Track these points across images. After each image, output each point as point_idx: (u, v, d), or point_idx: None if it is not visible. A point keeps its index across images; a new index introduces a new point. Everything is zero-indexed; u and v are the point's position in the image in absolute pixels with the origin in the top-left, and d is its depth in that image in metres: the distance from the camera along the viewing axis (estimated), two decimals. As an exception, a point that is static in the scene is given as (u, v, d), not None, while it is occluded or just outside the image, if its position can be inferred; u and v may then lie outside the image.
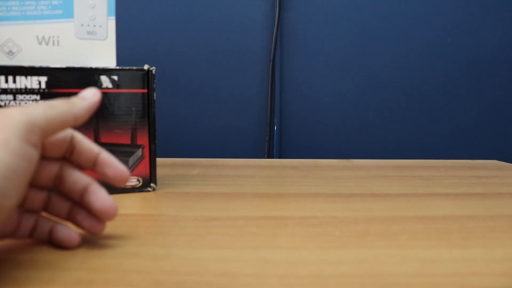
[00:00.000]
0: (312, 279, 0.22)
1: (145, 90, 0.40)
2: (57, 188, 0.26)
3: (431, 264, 0.24)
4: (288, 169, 0.57)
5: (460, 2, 0.76)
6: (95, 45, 0.40)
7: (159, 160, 0.42)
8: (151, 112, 0.40)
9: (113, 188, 0.41)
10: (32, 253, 0.25)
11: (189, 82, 0.76)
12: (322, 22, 0.76)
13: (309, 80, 0.77)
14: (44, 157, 0.25)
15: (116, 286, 0.21)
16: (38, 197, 0.25)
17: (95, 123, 0.39)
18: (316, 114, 0.77)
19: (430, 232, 0.30)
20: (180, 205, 0.37)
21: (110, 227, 0.30)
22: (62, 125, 0.24)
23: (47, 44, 0.38)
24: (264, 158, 0.76)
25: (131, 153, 0.40)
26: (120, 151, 0.40)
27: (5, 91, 0.36)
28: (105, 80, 0.39)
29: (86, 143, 0.26)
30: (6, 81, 0.36)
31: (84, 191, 0.25)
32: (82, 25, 0.39)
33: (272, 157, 0.76)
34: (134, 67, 0.40)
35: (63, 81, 0.37)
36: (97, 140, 0.39)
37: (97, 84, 0.38)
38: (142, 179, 0.41)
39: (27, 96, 0.36)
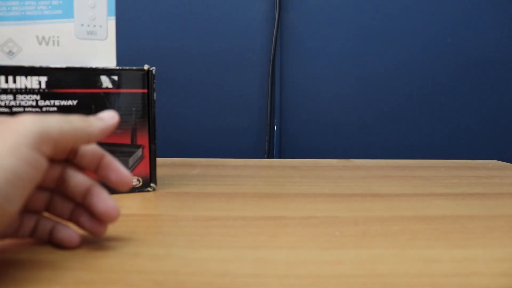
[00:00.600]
0: (312, 279, 0.22)
1: (145, 90, 0.40)
2: (60, 189, 0.26)
3: (431, 264, 0.24)
4: (288, 169, 0.57)
5: (460, 2, 0.76)
6: (95, 45, 0.40)
7: (159, 160, 0.42)
8: (151, 112, 0.40)
9: (113, 188, 0.40)
10: (32, 253, 0.25)
11: (189, 82, 0.76)
12: (322, 22, 0.76)
13: (309, 80, 0.77)
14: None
15: (116, 286, 0.21)
16: (41, 197, 0.25)
17: (95, 123, 0.39)
18: (316, 114, 0.77)
19: (430, 232, 0.30)
20: (180, 205, 0.37)
21: (110, 227, 0.30)
22: (75, 141, 0.24)
23: (47, 44, 0.38)
24: (264, 158, 0.76)
25: (131, 153, 0.40)
26: (120, 151, 0.40)
27: (5, 91, 0.36)
28: (105, 80, 0.39)
29: (90, 146, 0.26)
30: (6, 81, 0.36)
31: (87, 193, 0.25)
32: (82, 25, 0.39)
33: (272, 157, 0.76)
34: (134, 67, 0.40)
35: (63, 81, 0.37)
36: (97, 140, 0.39)
37: (97, 84, 0.38)
38: (142, 179, 0.41)
39: (27, 96, 0.36)
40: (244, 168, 0.57)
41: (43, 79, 0.37)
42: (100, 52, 0.40)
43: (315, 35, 0.76)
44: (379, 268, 0.24)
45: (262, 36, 0.76)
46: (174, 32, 0.75)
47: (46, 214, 0.26)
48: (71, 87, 0.37)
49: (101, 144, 0.39)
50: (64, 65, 0.37)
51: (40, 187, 0.25)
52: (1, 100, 0.35)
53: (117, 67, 0.39)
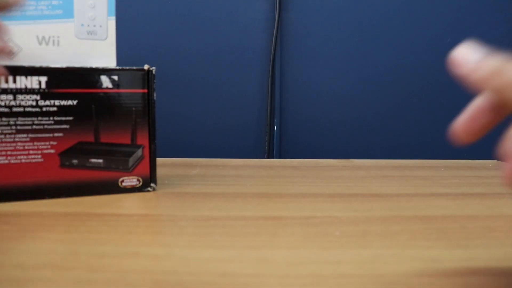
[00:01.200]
0: (312, 279, 0.22)
1: (145, 90, 0.40)
2: None
3: (431, 264, 0.24)
4: (288, 169, 0.57)
5: (460, 2, 0.76)
6: (95, 45, 0.40)
7: (159, 160, 0.42)
8: (151, 112, 0.40)
9: (113, 189, 0.41)
10: (32, 253, 0.25)
11: (189, 82, 0.76)
12: (322, 22, 0.76)
13: (309, 80, 0.77)
14: None
15: (116, 286, 0.21)
16: None
17: (95, 123, 0.39)
18: (316, 114, 0.77)
19: (430, 232, 0.30)
20: (180, 205, 0.37)
21: (110, 227, 0.30)
22: None
23: (47, 44, 0.38)
24: (264, 158, 0.76)
25: (131, 153, 0.40)
26: (120, 151, 0.40)
27: (5, 91, 0.36)
28: (105, 80, 0.39)
29: None
30: (6, 81, 0.36)
31: None
32: (82, 25, 0.39)
33: (272, 157, 0.76)
34: (134, 67, 0.40)
35: (63, 81, 0.37)
36: (97, 140, 0.39)
37: (97, 84, 0.38)
38: (142, 179, 0.41)
39: (27, 96, 0.36)
40: (244, 168, 0.57)
41: (43, 79, 0.37)
42: (100, 52, 0.40)
43: (315, 35, 0.76)
44: (379, 268, 0.24)
45: (262, 36, 0.76)
46: (174, 32, 0.75)
47: None
48: (71, 87, 0.37)
49: (101, 144, 0.39)
50: (64, 65, 0.37)
51: None
52: (1, 100, 0.35)
53: (117, 67, 0.39)
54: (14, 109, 0.36)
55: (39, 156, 0.37)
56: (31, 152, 0.37)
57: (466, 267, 0.24)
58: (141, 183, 0.41)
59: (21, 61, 0.38)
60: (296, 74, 0.77)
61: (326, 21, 0.76)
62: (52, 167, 0.38)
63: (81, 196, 0.38)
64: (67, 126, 0.38)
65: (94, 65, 0.39)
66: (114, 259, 0.24)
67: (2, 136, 0.36)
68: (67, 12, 0.39)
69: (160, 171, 0.44)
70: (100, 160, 0.39)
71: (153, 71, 0.40)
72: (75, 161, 0.38)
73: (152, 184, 0.42)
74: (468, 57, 0.22)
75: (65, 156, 0.38)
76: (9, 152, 0.36)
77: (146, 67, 0.40)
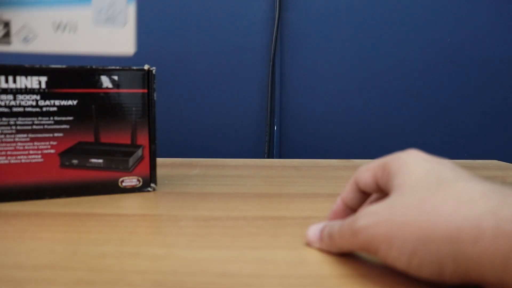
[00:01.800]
0: (312, 279, 0.22)
1: (145, 90, 0.40)
2: None
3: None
4: (288, 169, 0.57)
5: (460, 2, 0.76)
6: (113, 32, 0.38)
7: (159, 160, 0.42)
8: (151, 112, 0.40)
9: (113, 189, 0.41)
10: (32, 254, 0.25)
11: (189, 82, 0.76)
12: (322, 22, 0.76)
13: (309, 79, 0.77)
14: None
15: (116, 286, 0.21)
16: None
17: (95, 123, 0.39)
18: (316, 114, 0.77)
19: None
20: (180, 205, 0.37)
21: (110, 227, 0.30)
22: None
23: (63, 31, 0.37)
24: (264, 158, 0.76)
25: (131, 153, 0.40)
26: (120, 151, 0.40)
27: (5, 91, 0.36)
28: (105, 80, 0.39)
29: None
30: (6, 81, 0.36)
31: None
32: (100, 10, 0.38)
33: (272, 157, 0.76)
34: (134, 67, 0.40)
35: (63, 81, 0.37)
36: (97, 140, 0.39)
37: (97, 84, 0.38)
38: (142, 179, 0.41)
39: (27, 96, 0.36)
40: (244, 168, 0.57)
41: (43, 79, 0.37)
42: (118, 39, 0.38)
43: (315, 35, 0.76)
44: (379, 267, 0.24)
45: (262, 36, 0.76)
46: (175, 32, 0.75)
47: None
48: (71, 87, 0.37)
49: (101, 144, 0.39)
50: (64, 65, 0.37)
51: None
52: (1, 100, 0.35)
53: (117, 67, 0.39)
54: (14, 109, 0.36)
55: (39, 156, 0.37)
56: (31, 152, 0.37)
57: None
58: (141, 183, 0.41)
59: (36, 48, 0.37)
60: (296, 74, 0.77)
61: (326, 21, 0.76)
62: (52, 167, 0.38)
63: (81, 196, 0.38)
64: (67, 126, 0.38)
65: (112, 53, 0.38)
66: (114, 259, 0.24)
67: (2, 136, 0.36)
68: None
69: (160, 171, 0.44)
70: (100, 160, 0.39)
71: (153, 71, 0.40)
72: (75, 161, 0.38)
73: (152, 184, 0.42)
74: (313, 239, 0.27)
75: (65, 156, 0.38)
76: (9, 152, 0.36)
77: (146, 67, 0.40)
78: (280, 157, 0.77)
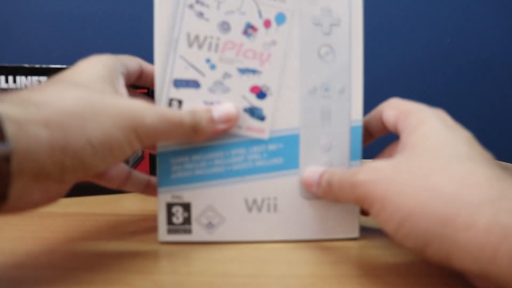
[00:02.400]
0: (312, 279, 0.22)
1: (145, 90, 0.40)
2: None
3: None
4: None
5: (460, 2, 0.76)
6: (336, 212, 0.27)
7: (159, 160, 0.42)
8: (151, 112, 0.40)
9: (114, 189, 0.40)
10: (32, 254, 0.25)
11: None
12: (322, 22, 0.76)
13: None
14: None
15: (116, 286, 0.21)
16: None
17: (95, 123, 0.38)
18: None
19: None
20: (180, 205, 0.37)
21: (110, 227, 0.30)
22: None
23: (259, 210, 0.27)
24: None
25: (131, 153, 0.40)
26: (120, 151, 0.39)
27: (5, 91, 0.35)
28: (105, 80, 0.38)
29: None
30: (6, 81, 0.36)
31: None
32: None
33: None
34: (134, 67, 0.40)
35: (63, 81, 0.37)
36: (97, 140, 0.39)
37: (97, 84, 0.38)
38: (142, 179, 0.41)
39: (27, 96, 0.36)
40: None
41: (43, 79, 0.36)
42: (341, 218, 0.28)
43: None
44: (379, 267, 0.24)
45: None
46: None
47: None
48: (71, 87, 0.37)
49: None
50: (64, 65, 0.37)
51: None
52: (1, 100, 0.35)
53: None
54: (14, 109, 0.36)
55: (39, 156, 0.37)
56: (31, 152, 0.37)
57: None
58: (141, 183, 0.41)
59: (223, 236, 0.27)
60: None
61: (326, 21, 0.76)
62: (52, 167, 0.37)
63: (81, 196, 0.38)
64: (67, 126, 0.38)
65: (335, 237, 0.28)
66: (114, 259, 0.24)
67: (2, 136, 0.36)
68: (290, 160, 0.27)
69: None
70: (100, 160, 0.39)
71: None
72: (75, 161, 0.38)
73: (152, 184, 0.41)
74: (310, 181, 0.26)
75: (65, 156, 0.38)
76: (9, 152, 0.36)
77: (146, 67, 0.40)
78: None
